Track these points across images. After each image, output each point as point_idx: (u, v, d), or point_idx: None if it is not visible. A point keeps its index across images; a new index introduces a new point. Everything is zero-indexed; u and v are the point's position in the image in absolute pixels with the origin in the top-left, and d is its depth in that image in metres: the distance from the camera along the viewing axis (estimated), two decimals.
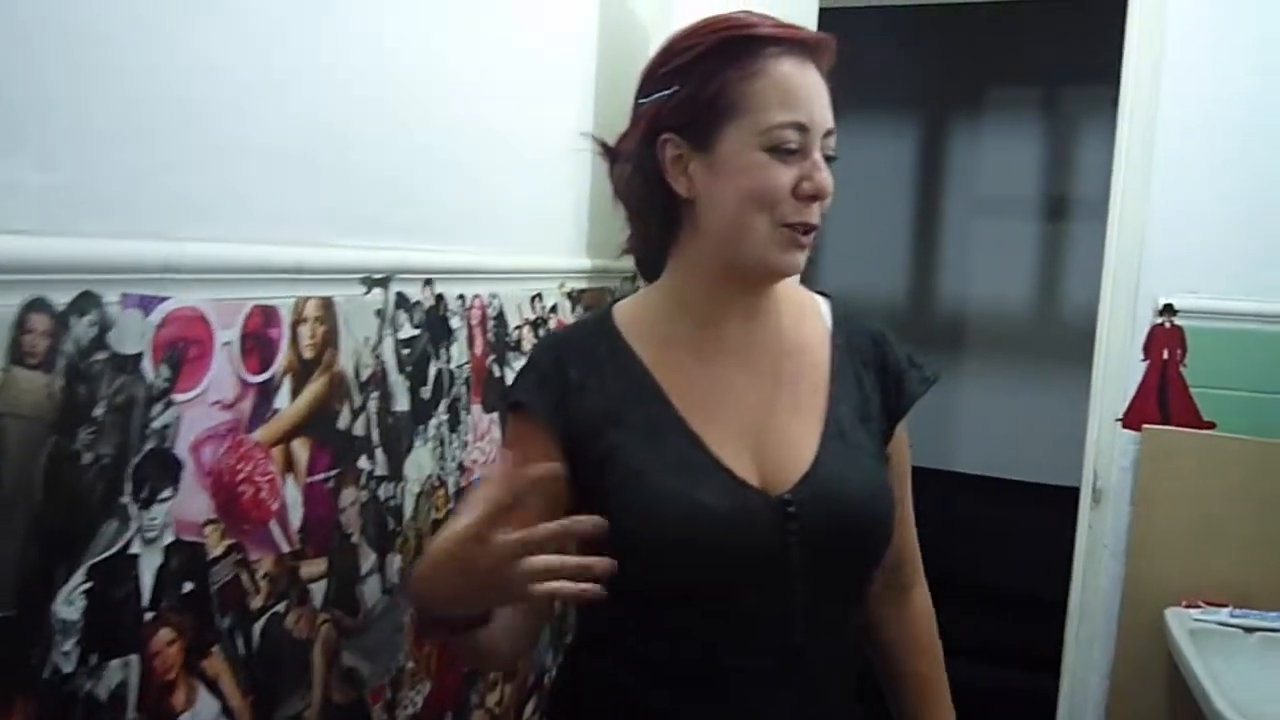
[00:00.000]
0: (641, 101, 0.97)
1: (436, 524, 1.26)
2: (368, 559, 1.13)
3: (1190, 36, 1.86)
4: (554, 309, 1.58)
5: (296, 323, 0.99)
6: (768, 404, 0.97)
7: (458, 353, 1.29)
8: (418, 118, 1.18)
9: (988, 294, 3.84)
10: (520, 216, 1.47)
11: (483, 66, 1.33)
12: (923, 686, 1.09)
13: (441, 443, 1.27)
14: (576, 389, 0.96)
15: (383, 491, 1.15)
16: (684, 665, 0.95)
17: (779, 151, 0.90)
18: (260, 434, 0.96)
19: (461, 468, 1.32)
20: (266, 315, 0.95)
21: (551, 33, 1.55)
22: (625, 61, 1.76)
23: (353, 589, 1.12)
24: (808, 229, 0.92)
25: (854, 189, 2.96)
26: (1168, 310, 1.89)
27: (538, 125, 1.50)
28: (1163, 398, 1.91)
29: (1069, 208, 3.68)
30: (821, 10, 2.30)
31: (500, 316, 1.40)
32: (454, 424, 1.29)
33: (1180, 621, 1.78)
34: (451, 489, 1.30)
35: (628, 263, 1.83)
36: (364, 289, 1.09)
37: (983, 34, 3.58)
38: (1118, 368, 1.96)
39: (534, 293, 1.51)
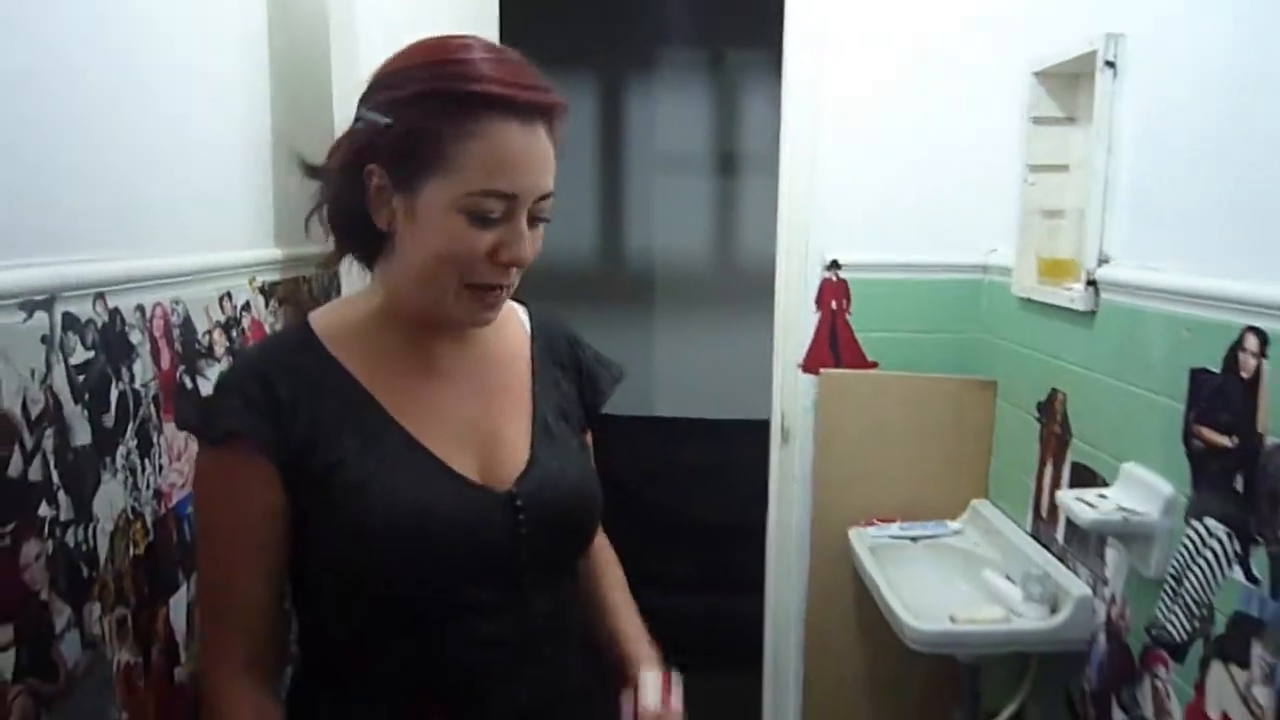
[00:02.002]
0: (359, 115, 0.93)
1: (136, 561, 1.15)
2: (62, 615, 1.00)
3: (848, 11, 2.04)
4: (246, 306, 1.46)
5: None
6: (481, 410, 1.00)
7: (141, 370, 1.16)
8: (49, 108, 1.03)
9: (672, 247, 4.04)
10: (196, 210, 1.33)
11: (135, 50, 1.18)
12: (614, 606, 1.14)
13: (133, 472, 1.14)
14: (289, 408, 0.91)
15: (71, 537, 1.02)
16: (423, 667, 0.95)
17: (478, 218, 0.87)
18: None
19: (158, 494, 1.20)
20: None
21: (213, 10, 1.41)
22: (301, 34, 1.65)
23: (48, 651, 0.99)
24: (494, 290, 0.92)
25: None
26: (834, 265, 2.10)
27: (206, 109, 1.36)
28: (834, 343, 2.13)
29: (739, 163, 3.96)
30: None
31: (187, 323, 1.28)
32: (145, 449, 1.17)
33: (861, 539, 2.02)
34: (150, 519, 1.18)
35: (320, 248, 1.74)
36: (23, 315, 0.95)
37: None
38: (795, 318, 2.15)
39: (222, 292, 1.39)
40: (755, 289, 3.59)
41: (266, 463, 0.90)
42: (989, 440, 2.07)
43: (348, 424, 0.93)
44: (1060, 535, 1.73)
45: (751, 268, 3.95)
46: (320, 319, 0.99)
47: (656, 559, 3.42)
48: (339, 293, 1.76)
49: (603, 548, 1.18)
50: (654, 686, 1.02)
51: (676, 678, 1.03)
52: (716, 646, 3.09)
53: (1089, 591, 1.59)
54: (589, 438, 1.13)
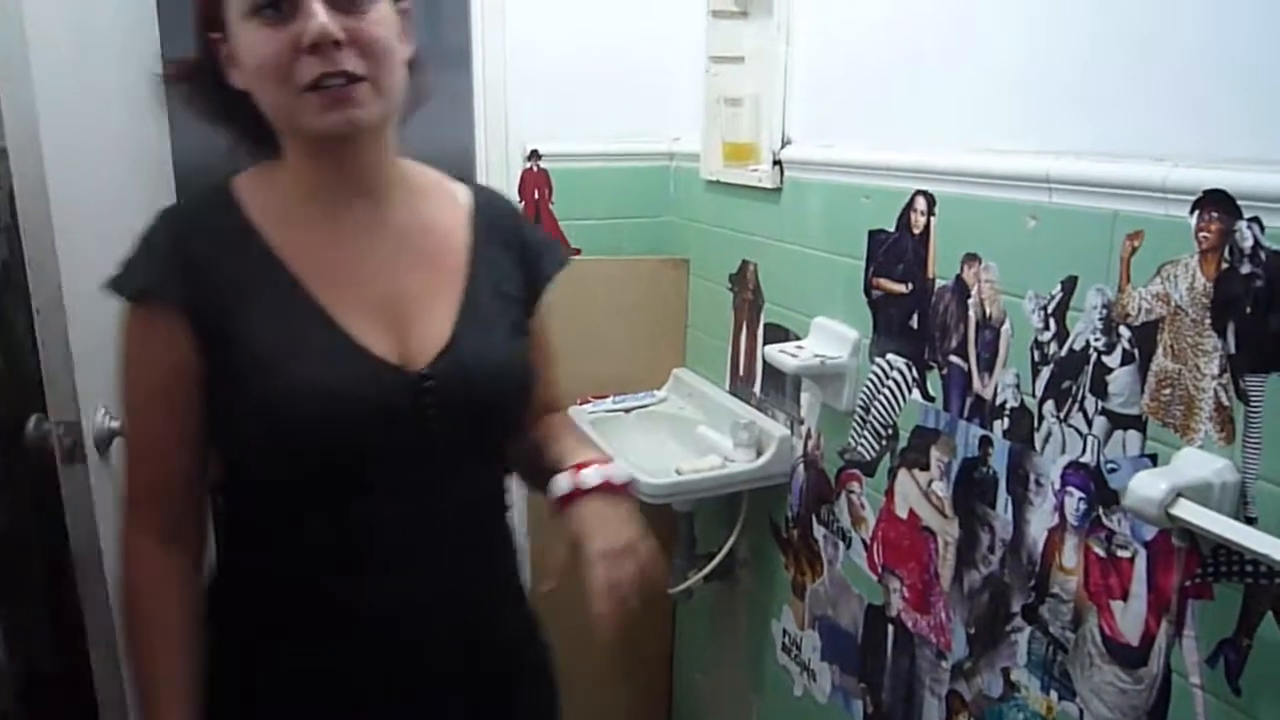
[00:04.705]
0: None
1: None
2: None
3: None
4: None
5: None
6: (406, 284, 0.97)
7: None
8: None
9: None
10: None
11: None
12: (561, 435, 1.12)
13: None
14: (202, 267, 0.90)
15: None
16: (335, 547, 0.95)
17: (263, 15, 0.85)
18: None
19: None
20: None
21: None
22: None
23: None
24: (334, 80, 0.85)
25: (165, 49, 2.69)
26: (534, 155, 2.15)
27: None
28: None
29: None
30: None
31: None
32: None
33: (579, 416, 2.15)
34: None
35: None
36: None
37: None
38: None
39: None
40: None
41: (180, 322, 0.90)
42: (684, 313, 2.26)
43: (257, 292, 0.91)
44: (758, 388, 1.96)
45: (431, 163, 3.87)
46: (242, 182, 0.97)
47: None
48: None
49: (549, 417, 1.15)
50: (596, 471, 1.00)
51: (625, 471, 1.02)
52: None
53: (788, 431, 1.84)
54: (542, 321, 1.11)
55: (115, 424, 1.37)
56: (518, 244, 1.08)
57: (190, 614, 0.97)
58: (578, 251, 2.22)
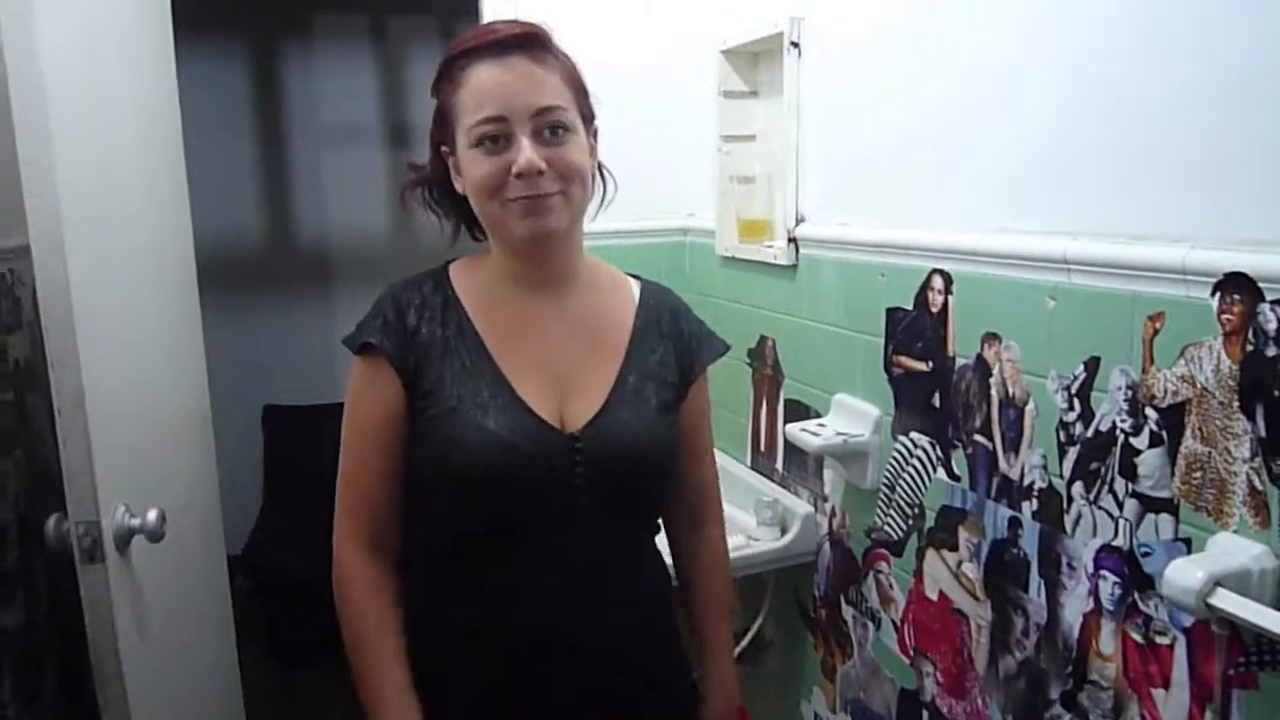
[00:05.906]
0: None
1: None
2: None
3: None
4: None
5: None
6: (573, 360, 1.14)
7: None
8: None
9: (349, 224, 3.89)
10: None
11: None
12: (705, 610, 1.31)
13: None
14: (413, 331, 1.11)
15: None
16: (485, 579, 1.11)
17: (484, 145, 1.04)
18: None
19: None
20: None
21: None
22: None
23: None
24: (534, 198, 1.04)
25: (186, 121, 2.76)
26: None
27: None
28: None
29: (413, 134, 3.88)
30: None
31: None
32: None
33: None
34: None
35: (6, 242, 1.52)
36: None
37: None
38: None
39: None
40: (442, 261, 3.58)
41: (392, 372, 1.10)
42: None
43: (453, 354, 1.10)
44: (780, 465, 1.94)
45: (435, 243, 3.91)
46: (456, 266, 1.18)
47: None
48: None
49: (709, 551, 1.31)
50: None
51: None
52: None
53: (811, 509, 1.81)
54: (699, 396, 1.24)
55: (134, 522, 1.36)
56: (675, 334, 1.22)
57: (394, 609, 1.13)
58: None
